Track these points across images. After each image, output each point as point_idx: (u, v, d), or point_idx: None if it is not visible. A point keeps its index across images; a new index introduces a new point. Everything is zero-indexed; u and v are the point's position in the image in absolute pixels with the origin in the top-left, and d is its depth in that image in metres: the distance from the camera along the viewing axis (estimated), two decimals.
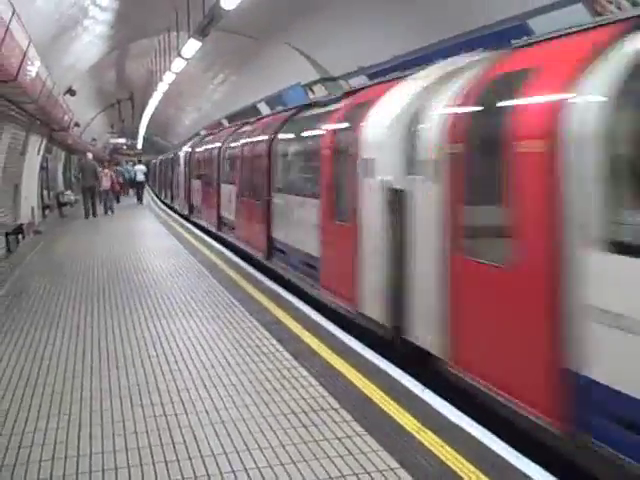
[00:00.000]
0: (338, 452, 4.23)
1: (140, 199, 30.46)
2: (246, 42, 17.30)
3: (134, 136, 49.66)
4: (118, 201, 28.01)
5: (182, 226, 19.23)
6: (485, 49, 6.75)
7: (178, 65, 16.40)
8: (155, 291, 9.35)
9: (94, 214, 21.53)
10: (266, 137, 11.99)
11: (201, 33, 12.37)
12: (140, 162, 35.96)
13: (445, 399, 5.10)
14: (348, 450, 4.25)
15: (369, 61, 13.56)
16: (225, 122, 30.35)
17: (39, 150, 18.04)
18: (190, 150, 23.38)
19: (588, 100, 4.12)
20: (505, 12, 8.92)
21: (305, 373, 5.76)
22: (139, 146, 55.41)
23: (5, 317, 8.01)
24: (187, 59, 15.24)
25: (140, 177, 31.02)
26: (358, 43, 13.37)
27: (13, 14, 7.19)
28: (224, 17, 11.09)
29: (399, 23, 11.63)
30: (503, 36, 8.71)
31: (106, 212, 23.02)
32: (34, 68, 9.58)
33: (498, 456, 4.15)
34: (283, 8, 13.58)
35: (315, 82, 16.79)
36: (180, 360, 6.19)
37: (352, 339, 6.82)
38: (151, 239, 16.20)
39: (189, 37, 13.22)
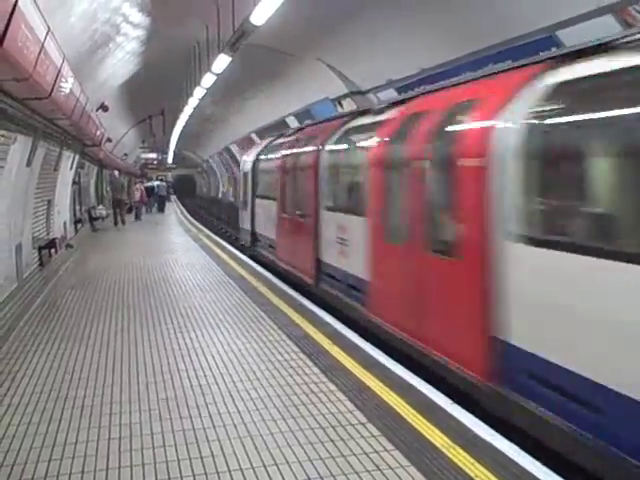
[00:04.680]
0: (366, 467, 4.19)
1: (162, 210, 35.25)
2: (276, 57, 17.42)
3: (165, 151, 50.20)
4: (147, 211, 32.79)
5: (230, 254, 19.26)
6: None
7: (208, 80, 16.56)
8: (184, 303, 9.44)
9: (123, 222, 24.88)
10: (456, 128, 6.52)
11: (231, 48, 12.47)
12: (162, 179, 43.92)
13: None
14: (376, 465, 4.22)
15: (398, 74, 13.57)
16: (254, 136, 30.55)
17: (72, 165, 18.30)
18: (254, 159, 16.74)
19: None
20: (534, 24, 8.86)
21: (333, 388, 5.74)
22: (169, 160, 56.01)
23: (39, 329, 8.12)
24: (217, 74, 15.38)
25: (163, 192, 36.25)
26: (387, 57, 13.39)
27: (48, 32, 7.33)
28: (254, 32, 11.18)
29: (427, 36, 11.63)
30: (532, 48, 8.67)
31: (137, 219, 27.81)
32: (68, 85, 9.74)
33: (528, 473, 4.08)
34: (313, 24, 13.65)
35: (344, 96, 16.84)
36: (209, 374, 6.21)
37: (381, 353, 6.78)
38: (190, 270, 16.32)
39: (219, 52, 13.35)
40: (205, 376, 6.14)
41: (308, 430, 4.82)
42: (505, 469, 4.14)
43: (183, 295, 10.17)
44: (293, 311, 8.84)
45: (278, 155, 13.52)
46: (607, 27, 7.48)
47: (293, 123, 22.41)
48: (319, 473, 4.13)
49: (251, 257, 15.18)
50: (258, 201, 15.31)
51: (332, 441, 4.62)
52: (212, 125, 35.30)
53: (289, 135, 14.32)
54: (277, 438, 4.68)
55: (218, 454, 4.43)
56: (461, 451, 4.41)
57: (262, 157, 15.63)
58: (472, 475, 4.06)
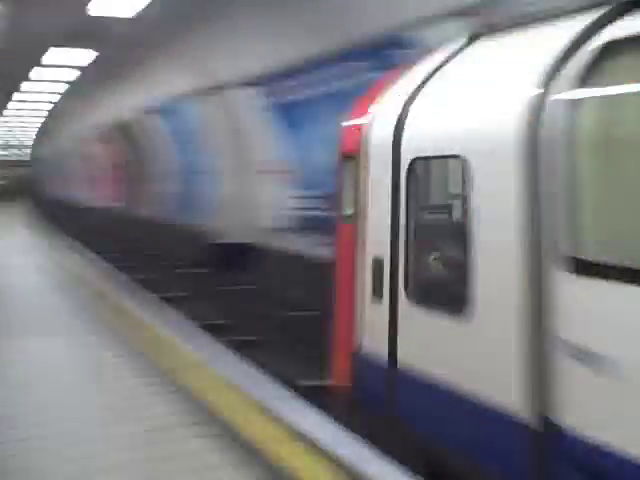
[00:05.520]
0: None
1: None
2: (132, 51, 16.90)
3: None
4: None
5: None
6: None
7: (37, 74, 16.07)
8: None
9: None
10: None
11: (69, 42, 11.90)
12: None
13: None
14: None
15: (257, 70, 13.74)
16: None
17: None
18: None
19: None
20: (380, 26, 9.02)
21: None
22: None
23: None
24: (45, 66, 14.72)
25: None
26: (245, 54, 13.51)
27: None
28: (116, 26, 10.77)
29: (284, 36, 11.86)
30: (382, 48, 8.87)
31: None
32: None
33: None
34: (173, 20, 13.43)
35: (205, 91, 16.78)
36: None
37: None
38: None
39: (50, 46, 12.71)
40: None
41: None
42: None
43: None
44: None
45: None
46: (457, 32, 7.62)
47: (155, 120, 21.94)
48: None
49: None
50: None
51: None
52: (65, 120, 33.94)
53: None
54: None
55: None
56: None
57: None
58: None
